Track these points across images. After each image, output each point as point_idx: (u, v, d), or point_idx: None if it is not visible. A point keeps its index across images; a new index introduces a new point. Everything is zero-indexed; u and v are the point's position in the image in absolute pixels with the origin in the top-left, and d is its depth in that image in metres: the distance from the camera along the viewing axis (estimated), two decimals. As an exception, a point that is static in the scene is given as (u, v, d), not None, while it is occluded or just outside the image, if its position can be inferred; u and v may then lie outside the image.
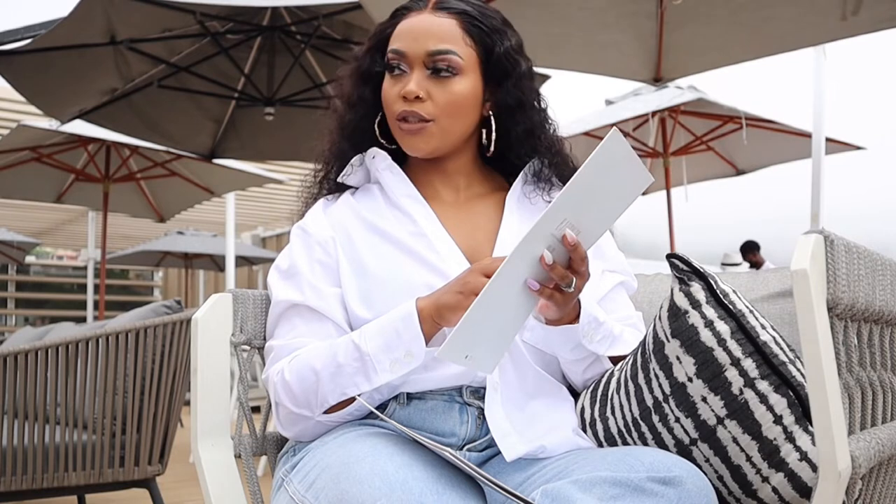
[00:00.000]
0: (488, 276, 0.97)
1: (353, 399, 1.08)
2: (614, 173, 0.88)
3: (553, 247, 0.95)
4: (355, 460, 0.94)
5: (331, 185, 1.29)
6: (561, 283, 0.98)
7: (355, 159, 1.27)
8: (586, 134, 5.50)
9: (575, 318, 1.09)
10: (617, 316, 1.20)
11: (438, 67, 1.17)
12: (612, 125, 5.58)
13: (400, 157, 1.26)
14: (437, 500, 0.88)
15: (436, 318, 1.04)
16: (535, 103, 1.25)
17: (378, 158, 1.25)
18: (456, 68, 1.17)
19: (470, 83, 1.19)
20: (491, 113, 1.23)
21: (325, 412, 1.09)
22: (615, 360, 1.17)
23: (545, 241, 0.94)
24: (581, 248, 0.97)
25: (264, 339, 1.25)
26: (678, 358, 1.02)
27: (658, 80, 3.52)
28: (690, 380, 1.01)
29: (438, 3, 1.20)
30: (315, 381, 1.08)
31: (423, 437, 0.99)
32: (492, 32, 1.21)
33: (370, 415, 1.13)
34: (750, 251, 8.26)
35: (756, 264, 8.10)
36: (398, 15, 1.23)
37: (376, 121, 1.25)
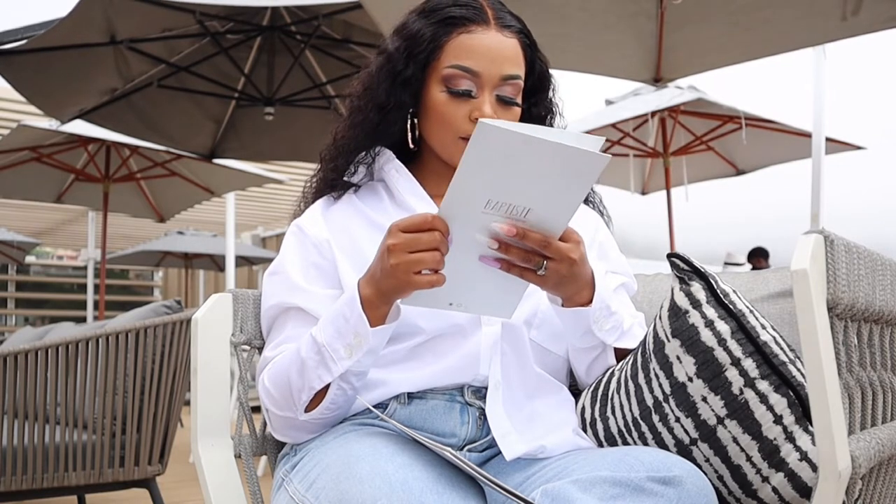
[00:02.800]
0: (407, 232, 0.97)
1: (324, 394, 1.07)
2: (519, 160, 0.90)
3: (494, 232, 0.96)
4: (356, 460, 0.94)
5: (337, 183, 1.27)
6: (525, 264, 0.98)
7: (361, 157, 1.25)
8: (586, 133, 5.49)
9: (587, 302, 1.09)
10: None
11: (507, 93, 1.16)
12: (612, 125, 5.59)
13: (406, 156, 1.26)
14: (438, 499, 0.88)
15: (383, 300, 1.02)
16: (558, 114, 1.28)
17: (385, 157, 1.25)
18: (519, 91, 1.18)
19: (521, 105, 1.20)
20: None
21: (306, 410, 1.09)
22: (620, 355, 1.17)
23: (476, 227, 0.95)
24: (533, 234, 0.96)
25: (264, 339, 1.25)
26: (678, 358, 1.02)
27: (658, 80, 3.52)
28: (691, 379, 1.01)
29: (499, 19, 1.17)
30: (287, 382, 1.08)
31: (423, 437, 0.99)
32: (535, 48, 1.22)
33: (370, 415, 1.13)
34: (756, 257, 8.21)
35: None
36: (454, 24, 1.15)
37: (407, 123, 1.21)
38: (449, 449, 0.94)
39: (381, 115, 1.20)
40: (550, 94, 1.27)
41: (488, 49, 1.15)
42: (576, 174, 0.92)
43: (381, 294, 1.01)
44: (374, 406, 1.10)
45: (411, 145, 1.22)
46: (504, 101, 1.17)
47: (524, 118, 1.24)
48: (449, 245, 0.96)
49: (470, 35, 1.15)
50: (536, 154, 0.89)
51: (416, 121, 1.21)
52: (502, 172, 0.91)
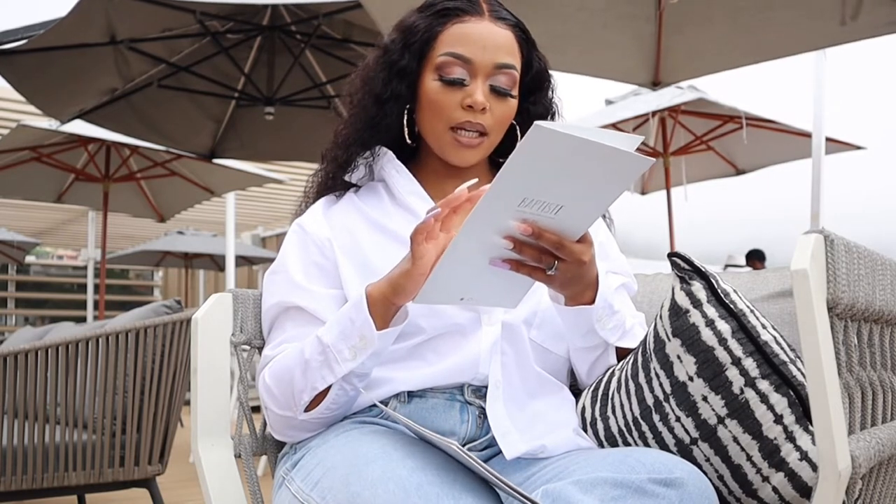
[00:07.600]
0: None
1: (325, 395, 1.08)
2: (567, 162, 0.89)
3: (511, 231, 0.96)
4: (364, 461, 0.94)
5: (338, 183, 1.27)
6: (538, 264, 0.98)
7: (363, 155, 1.25)
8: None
9: (590, 301, 1.09)
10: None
11: (500, 83, 1.16)
12: (612, 125, 5.59)
13: (405, 154, 1.26)
14: None
15: (392, 297, 1.02)
16: (558, 114, 1.28)
17: (385, 157, 1.25)
18: (514, 83, 1.18)
19: (516, 98, 1.20)
20: (515, 122, 1.23)
21: (306, 410, 1.09)
22: (621, 355, 1.17)
23: (499, 228, 0.94)
24: (547, 235, 0.95)
25: (264, 339, 1.25)
26: (679, 357, 1.02)
27: (657, 84, 3.52)
28: (691, 379, 1.01)
29: (494, 11, 1.18)
30: (290, 381, 1.08)
31: (428, 432, 0.97)
32: (533, 46, 1.22)
33: (371, 413, 1.13)
34: (752, 259, 8.24)
35: None
36: (448, 15, 1.17)
37: (405, 118, 1.21)
38: (455, 443, 0.94)
39: (379, 107, 1.21)
40: (549, 92, 1.27)
41: (480, 37, 1.15)
42: (617, 175, 0.92)
43: (388, 298, 1.02)
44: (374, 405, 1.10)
45: (408, 140, 1.22)
46: (498, 92, 1.17)
47: (523, 117, 1.24)
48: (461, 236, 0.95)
49: (463, 24, 1.16)
50: (585, 156, 0.88)
51: (414, 116, 1.22)
52: (546, 173, 0.90)
